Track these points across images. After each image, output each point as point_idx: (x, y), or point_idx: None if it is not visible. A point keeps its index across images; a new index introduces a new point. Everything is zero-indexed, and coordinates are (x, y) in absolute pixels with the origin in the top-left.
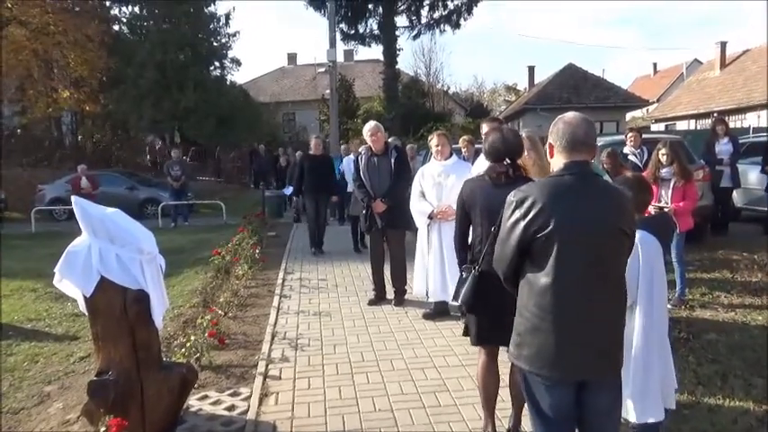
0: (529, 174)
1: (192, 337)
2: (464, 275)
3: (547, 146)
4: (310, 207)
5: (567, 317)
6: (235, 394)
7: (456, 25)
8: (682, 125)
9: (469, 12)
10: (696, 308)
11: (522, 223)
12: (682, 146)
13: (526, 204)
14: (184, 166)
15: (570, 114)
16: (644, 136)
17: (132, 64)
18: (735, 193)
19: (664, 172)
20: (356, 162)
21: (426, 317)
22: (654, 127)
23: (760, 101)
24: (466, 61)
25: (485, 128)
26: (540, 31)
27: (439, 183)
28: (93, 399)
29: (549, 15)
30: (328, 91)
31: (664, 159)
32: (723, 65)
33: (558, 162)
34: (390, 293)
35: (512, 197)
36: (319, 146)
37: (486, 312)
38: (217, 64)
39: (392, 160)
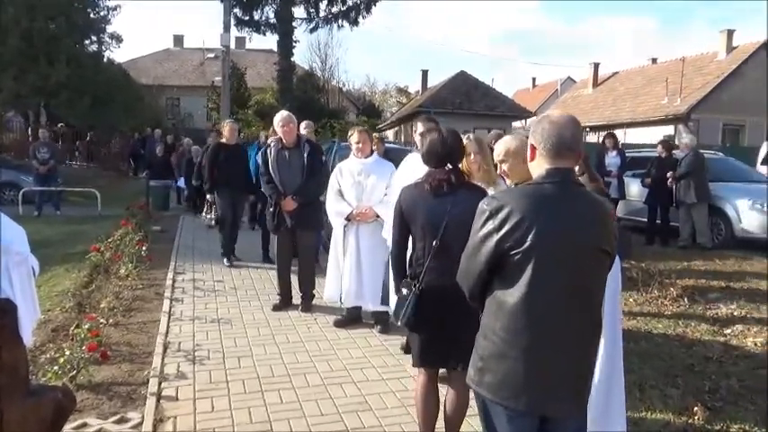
0: (473, 179)
1: (68, 352)
2: (404, 292)
3: (528, 147)
4: (225, 207)
5: (538, 344)
6: (122, 420)
7: (354, 22)
8: None
9: (368, 10)
10: None
11: (496, 237)
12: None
13: (501, 215)
14: (54, 148)
15: (557, 114)
16: None
17: None
18: (619, 204)
19: None
20: (264, 155)
21: (338, 324)
22: None
23: (625, 119)
24: (360, 59)
25: (420, 127)
26: (434, 36)
27: (359, 182)
28: None
29: (444, 24)
30: (218, 78)
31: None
32: (595, 84)
33: (539, 167)
34: (296, 298)
35: (485, 206)
36: (234, 132)
37: (429, 332)
38: (94, 38)
39: (305, 155)
